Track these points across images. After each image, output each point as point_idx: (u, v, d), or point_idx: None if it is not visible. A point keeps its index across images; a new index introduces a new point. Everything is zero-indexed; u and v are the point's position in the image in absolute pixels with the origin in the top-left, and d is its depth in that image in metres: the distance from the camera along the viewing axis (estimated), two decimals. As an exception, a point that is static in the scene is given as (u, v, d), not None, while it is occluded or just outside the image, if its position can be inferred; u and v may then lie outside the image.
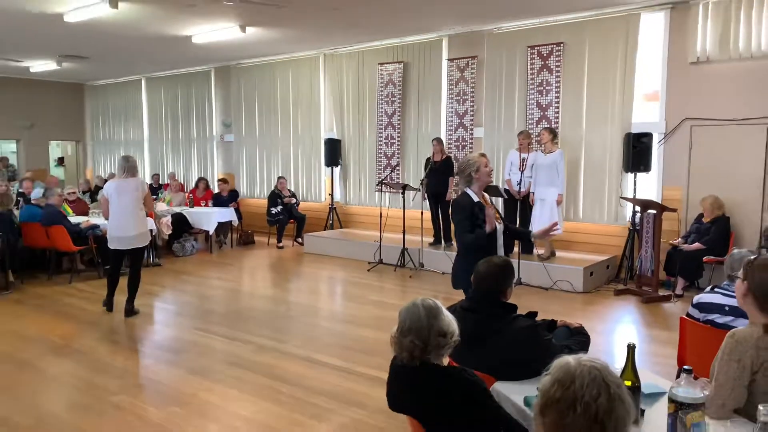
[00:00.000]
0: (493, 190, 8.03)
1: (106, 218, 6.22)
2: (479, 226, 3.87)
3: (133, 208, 6.10)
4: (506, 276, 2.89)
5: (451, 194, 8.39)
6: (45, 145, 15.31)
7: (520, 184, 7.63)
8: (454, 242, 8.23)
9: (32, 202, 8.33)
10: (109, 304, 6.37)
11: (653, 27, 7.53)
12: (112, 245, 6.18)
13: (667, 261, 6.96)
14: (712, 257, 6.51)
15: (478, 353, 2.67)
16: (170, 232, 9.56)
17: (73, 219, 8.34)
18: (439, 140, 8.78)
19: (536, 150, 7.93)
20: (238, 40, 9.46)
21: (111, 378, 4.56)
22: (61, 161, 17.56)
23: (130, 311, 6.23)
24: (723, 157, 7.03)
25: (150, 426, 3.75)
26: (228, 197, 11.03)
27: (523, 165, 7.67)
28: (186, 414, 3.91)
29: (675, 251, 6.89)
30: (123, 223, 6.07)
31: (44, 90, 14.66)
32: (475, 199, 3.98)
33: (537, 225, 7.58)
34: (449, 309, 2.44)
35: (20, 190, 9.93)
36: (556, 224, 4.64)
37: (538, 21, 8.25)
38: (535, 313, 2.96)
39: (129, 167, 6.13)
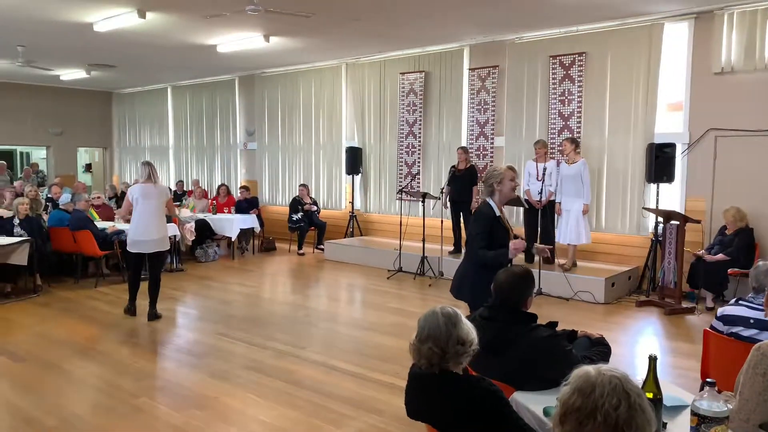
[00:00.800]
0: (514, 201, 7.99)
1: (123, 218, 6.34)
2: (493, 243, 3.85)
3: (156, 213, 6.24)
4: (526, 285, 2.88)
5: (475, 204, 8.39)
6: (73, 152, 15.66)
7: (541, 193, 7.59)
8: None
9: (60, 207, 8.52)
10: (131, 310, 6.47)
11: (677, 37, 7.46)
12: (133, 249, 6.27)
13: (690, 273, 6.87)
14: (736, 269, 6.40)
15: (497, 362, 2.67)
16: (193, 238, 9.70)
17: (99, 224, 8.50)
18: (464, 149, 8.76)
19: (557, 159, 7.90)
20: (262, 49, 9.59)
21: (133, 380, 4.63)
22: (88, 167, 17.92)
23: (154, 315, 6.32)
24: (748, 167, 6.93)
25: (170, 428, 3.80)
26: (249, 202, 11.14)
27: (541, 175, 7.63)
28: (206, 417, 3.96)
29: (698, 263, 6.80)
30: (146, 227, 6.18)
31: (74, 98, 15.02)
32: (497, 212, 3.96)
33: (563, 236, 7.57)
34: (469, 318, 2.44)
35: (49, 196, 10.15)
36: (551, 248, 4.59)
37: (560, 31, 8.23)
38: (555, 323, 2.94)
39: (153, 172, 6.29)
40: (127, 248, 6.36)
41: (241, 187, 11.69)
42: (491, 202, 3.99)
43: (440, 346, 2.23)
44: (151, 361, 5.15)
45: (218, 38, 9.09)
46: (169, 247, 6.54)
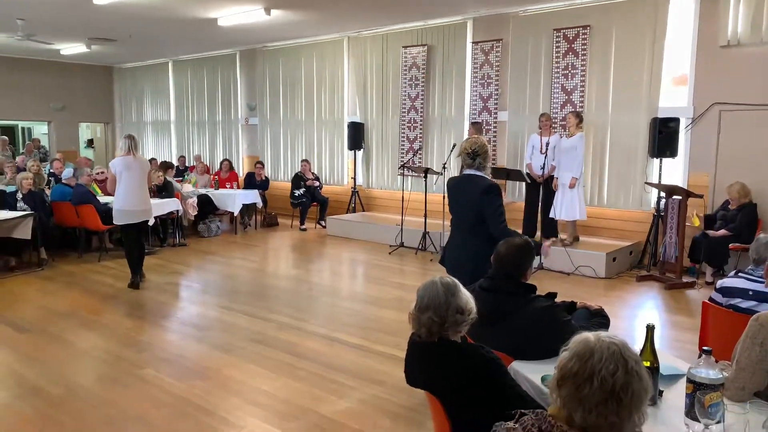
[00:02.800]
0: (516, 174, 7.99)
1: (111, 193, 6.55)
2: None
3: (140, 184, 6.42)
4: (526, 256, 2.89)
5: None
6: (75, 127, 15.62)
7: (543, 167, 7.55)
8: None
9: (63, 181, 8.52)
10: (134, 283, 6.56)
11: (683, 9, 7.36)
12: (121, 221, 6.44)
13: (692, 247, 6.88)
14: (738, 244, 6.40)
15: (496, 332, 2.69)
16: (196, 213, 9.71)
17: (102, 199, 8.51)
18: (476, 124, 8.62)
19: (558, 133, 7.86)
20: (263, 22, 9.49)
21: (137, 352, 4.69)
22: (90, 143, 17.89)
23: (142, 276, 6.70)
24: (752, 142, 6.88)
25: (174, 398, 3.86)
26: (260, 183, 11.12)
27: (545, 148, 7.59)
28: (209, 388, 4.01)
29: (700, 237, 6.80)
30: (132, 198, 6.37)
31: (75, 73, 14.93)
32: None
33: (560, 210, 7.53)
34: (468, 288, 2.45)
35: (51, 171, 10.16)
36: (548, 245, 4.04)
37: (564, 4, 8.11)
38: (554, 294, 2.96)
39: (134, 145, 6.41)
40: (114, 221, 6.56)
41: (258, 163, 11.61)
42: (486, 176, 3.83)
43: (439, 315, 2.25)
44: (154, 333, 5.21)
45: (219, 11, 8.99)
46: (152, 217, 6.87)
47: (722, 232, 6.62)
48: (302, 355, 4.59)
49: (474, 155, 3.74)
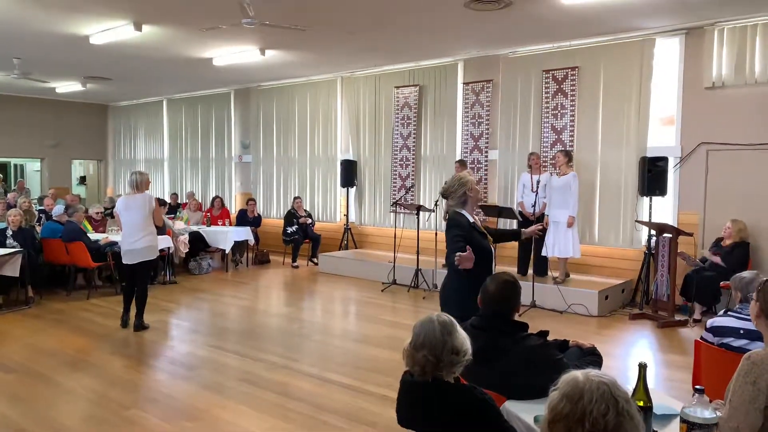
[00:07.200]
0: (508, 212, 8.04)
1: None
2: (474, 249, 3.55)
3: (140, 223, 6.24)
4: (514, 293, 2.88)
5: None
6: (68, 164, 15.63)
7: (534, 205, 7.61)
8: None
9: (54, 218, 8.49)
10: (123, 321, 6.47)
11: (669, 52, 7.56)
12: (124, 260, 6.36)
13: (684, 286, 6.89)
14: (728, 282, 6.41)
15: (488, 371, 2.66)
16: (187, 250, 9.65)
17: (93, 236, 8.47)
18: (461, 162, 8.77)
19: (549, 172, 7.95)
20: (258, 63, 9.65)
21: (125, 392, 4.60)
22: (83, 180, 17.89)
23: (139, 326, 6.35)
24: (739, 181, 6.99)
25: (162, 440, 3.77)
26: (252, 220, 11.14)
27: (535, 186, 7.67)
28: (198, 429, 3.93)
29: (692, 275, 6.82)
30: (131, 237, 6.26)
31: (69, 110, 15.04)
32: (470, 219, 3.81)
33: (552, 248, 7.56)
34: (461, 325, 2.44)
35: (41, 207, 10.12)
36: (541, 226, 4.71)
37: (553, 45, 8.32)
38: (546, 332, 2.95)
39: (137, 183, 6.31)
40: (122, 261, 6.45)
41: (250, 200, 11.64)
42: (463, 212, 3.81)
43: (435, 355, 2.22)
44: (142, 372, 5.12)
45: (214, 51, 9.14)
46: (154, 257, 6.47)
47: (717, 259, 6.62)
48: (293, 396, 4.52)
49: (445, 195, 3.90)
